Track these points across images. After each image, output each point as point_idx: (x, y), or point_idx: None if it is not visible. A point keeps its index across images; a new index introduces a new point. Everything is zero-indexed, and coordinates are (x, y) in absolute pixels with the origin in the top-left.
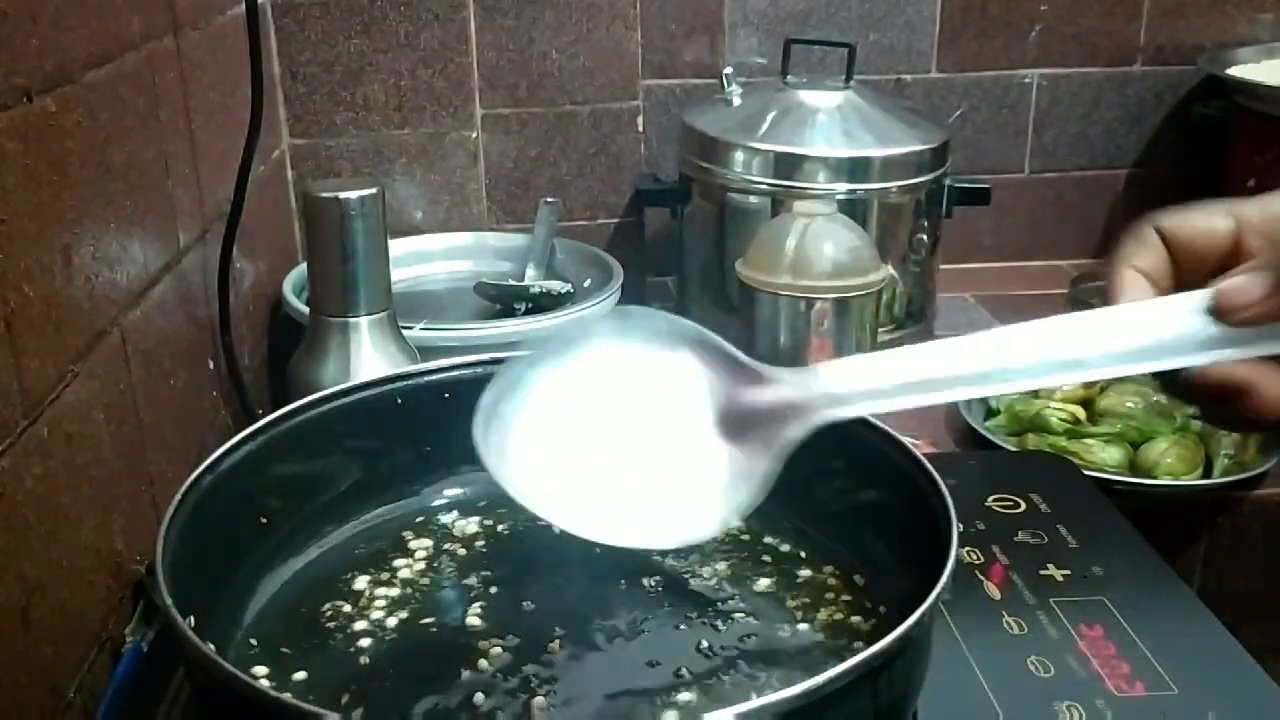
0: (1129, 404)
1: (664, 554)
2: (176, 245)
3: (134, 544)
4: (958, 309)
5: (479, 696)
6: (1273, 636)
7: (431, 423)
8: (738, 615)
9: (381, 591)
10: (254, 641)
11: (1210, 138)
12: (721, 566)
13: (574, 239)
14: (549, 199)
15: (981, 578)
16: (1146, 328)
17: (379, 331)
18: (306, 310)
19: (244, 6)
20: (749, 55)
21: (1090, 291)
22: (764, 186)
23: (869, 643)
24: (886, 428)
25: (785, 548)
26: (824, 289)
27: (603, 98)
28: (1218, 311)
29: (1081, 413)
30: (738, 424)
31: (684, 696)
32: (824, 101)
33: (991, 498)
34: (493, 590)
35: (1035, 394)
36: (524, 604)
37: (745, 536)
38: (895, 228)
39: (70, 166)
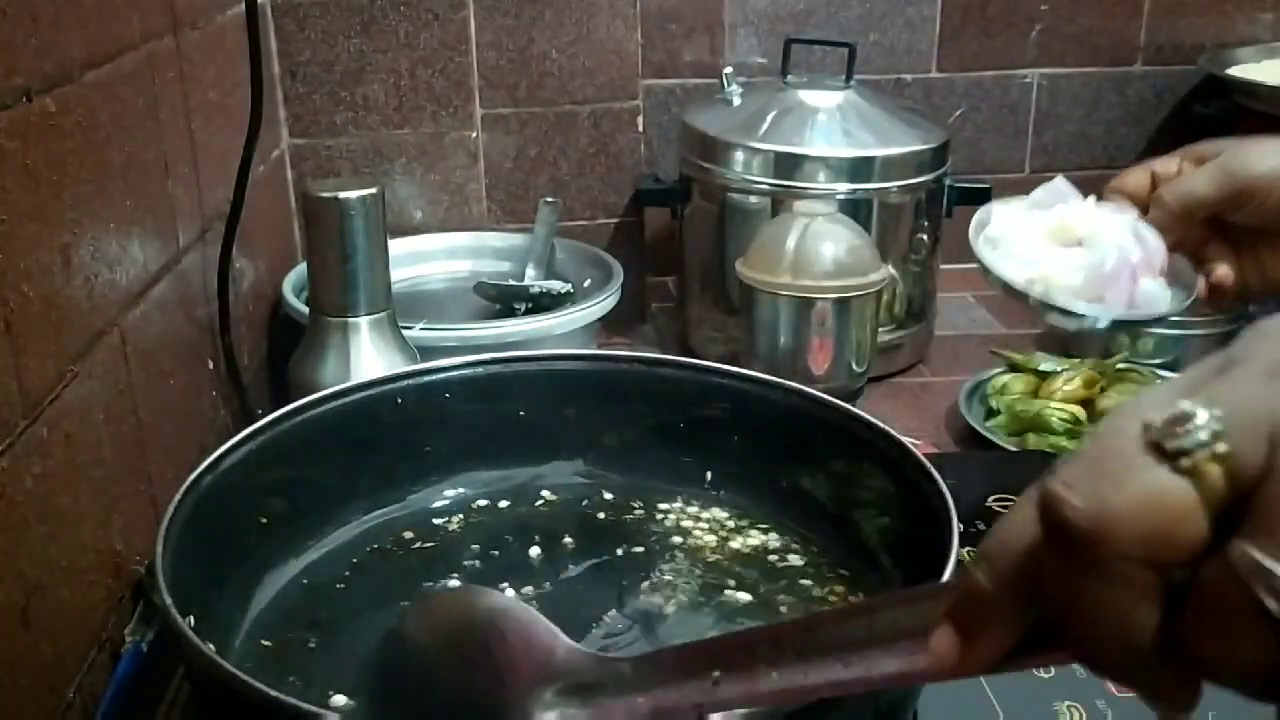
0: None
1: (664, 554)
2: (176, 245)
3: (134, 544)
4: (958, 309)
5: None
6: None
7: (431, 423)
8: (739, 616)
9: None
10: (254, 641)
11: (1210, 138)
12: (723, 568)
13: (574, 239)
14: (549, 199)
15: None
16: None
17: (379, 331)
18: (306, 310)
19: (244, 6)
20: (749, 55)
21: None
22: (764, 186)
23: None
24: (887, 428)
25: (786, 548)
26: (824, 289)
27: (603, 98)
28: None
29: (1082, 413)
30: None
31: None
32: (824, 101)
33: (991, 498)
34: None
35: (1035, 394)
36: None
37: (746, 538)
38: (895, 228)
39: (70, 166)
